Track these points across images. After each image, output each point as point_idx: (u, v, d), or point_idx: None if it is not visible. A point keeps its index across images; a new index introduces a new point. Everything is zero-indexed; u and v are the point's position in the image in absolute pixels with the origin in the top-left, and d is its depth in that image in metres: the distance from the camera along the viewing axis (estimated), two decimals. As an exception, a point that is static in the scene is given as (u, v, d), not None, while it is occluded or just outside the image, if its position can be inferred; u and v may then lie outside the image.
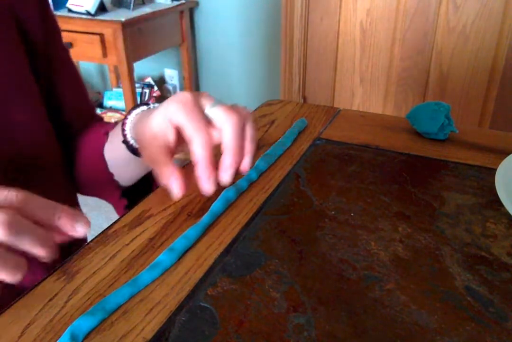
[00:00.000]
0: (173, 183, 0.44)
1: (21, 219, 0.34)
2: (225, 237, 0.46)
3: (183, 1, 2.10)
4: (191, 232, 0.45)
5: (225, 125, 0.43)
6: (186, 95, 0.44)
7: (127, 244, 0.45)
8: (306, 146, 0.63)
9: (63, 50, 0.63)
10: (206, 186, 0.43)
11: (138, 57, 1.97)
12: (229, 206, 0.50)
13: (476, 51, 1.82)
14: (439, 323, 0.36)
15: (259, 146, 0.62)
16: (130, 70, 1.91)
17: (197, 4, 2.19)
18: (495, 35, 1.77)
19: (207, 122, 0.43)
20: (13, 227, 0.33)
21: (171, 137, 0.45)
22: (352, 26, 1.98)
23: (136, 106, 0.55)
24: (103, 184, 0.64)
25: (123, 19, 1.79)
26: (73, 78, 0.65)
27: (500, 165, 0.53)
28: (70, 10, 1.88)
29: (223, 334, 0.35)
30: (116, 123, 0.62)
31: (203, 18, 2.23)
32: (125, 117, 0.55)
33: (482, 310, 0.38)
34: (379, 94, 2.07)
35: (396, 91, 2.03)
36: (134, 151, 0.55)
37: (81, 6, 1.85)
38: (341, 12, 1.97)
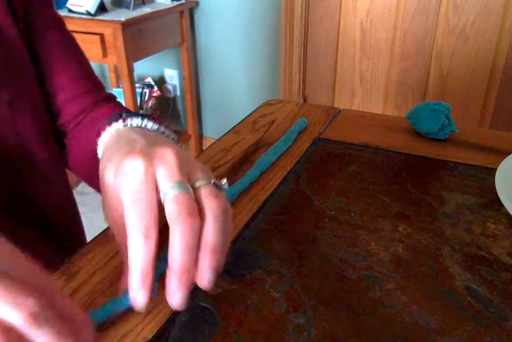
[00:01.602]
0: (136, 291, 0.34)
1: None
2: (225, 237, 0.45)
3: (183, 1, 2.10)
4: None
5: (173, 232, 0.33)
6: (139, 169, 0.35)
7: (127, 244, 0.45)
8: (306, 146, 0.63)
9: (50, 18, 0.57)
10: (137, 301, 0.33)
11: (138, 57, 1.97)
12: (229, 206, 0.50)
13: (476, 51, 1.82)
14: (439, 323, 0.36)
15: (259, 146, 0.62)
16: (130, 70, 1.90)
17: (197, 4, 2.19)
18: (495, 35, 1.77)
19: (155, 210, 0.34)
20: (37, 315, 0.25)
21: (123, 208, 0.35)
22: (352, 26, 1.98)
23: (114, 117, 0.47)
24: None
25: (123, 19, 1.79)
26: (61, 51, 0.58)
27: (500, 165, 0.53)
28: (70, 10, 1.88)
29: (223, 334, 0.35)
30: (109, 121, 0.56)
31: (203, 18, 2.23)
32: (99, 133, 0.47)
33: (482, 310, 0.38)
34: (379, 94, 2.07)
35: (396, 91, 2.03)
36: None
37: (81, 6, 1.85)
38: (341, 12, 1.97)
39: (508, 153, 0.56)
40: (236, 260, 0.43)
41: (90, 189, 0.66)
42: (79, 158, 0.61)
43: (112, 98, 0.63)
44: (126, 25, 1.81)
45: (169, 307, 0.38)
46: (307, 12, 2.02)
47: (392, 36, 1.93)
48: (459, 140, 0.64)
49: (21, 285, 0.26)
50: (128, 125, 0.45)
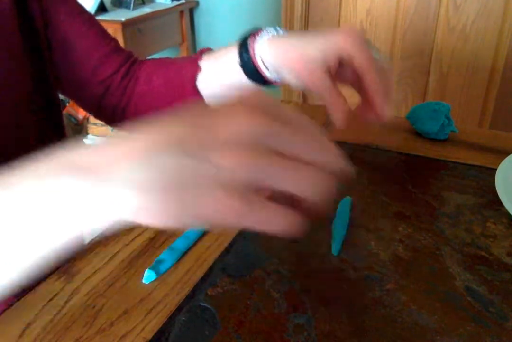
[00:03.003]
0: (338, 113, 0.45)
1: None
2: (225, 237, 0.46)
3: (183, 1, 2.10)
4: (192, 231, 0.45)
5: (370, 74, 0.44)
6: (359, 31, 0.44)
7: (127, 244, 0.45)
8: (306, 146, 0.63)
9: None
10: (385, 112, 0.44)
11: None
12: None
13: (476, 51, 1.82)
14: (439, 323, 0.36)
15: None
16: (130, 70, 1.90)
17: (197, 4, 2.19)
18: (495, 35, 1.77)
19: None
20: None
21: (333, 64, 0.45)
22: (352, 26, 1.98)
23: (249, 32, 0.52)
24: None
25: (123, 19, 1.79)
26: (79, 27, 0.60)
27: (500, 165, 0.53)
28: None
29: (223, 334, 0.35)
30: (201, 52, 0.58)
31: (203, 18, 2.23)
32: (246, 42, 0.51)
33: (482, 310, 0.38)
34: (379, 94, 2.06)
35: (396, 91, 2.03)
36: (255, 77, 0.53)
37: (81, 6, 1.86)
38: (341, 12, 1.97)
39: (508, 153, 0.56)
40: (236, 260, 0.43)
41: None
42: (155, 101, 0.61)
43: (132, 53, 0.65)
44: (126, 25, 1.81)
45: (169, 307, 0.38)
46: (307, 12, 2.02)
47: (392, 36, 1.93)
48: (459, 140, 0.64)
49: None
50: (279, 32, 0.51)
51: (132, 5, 1.93)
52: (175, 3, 2.07)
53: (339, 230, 0.46)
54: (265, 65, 0.51)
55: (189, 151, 0.25)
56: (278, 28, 0.51)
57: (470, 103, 1.92)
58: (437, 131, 0.63)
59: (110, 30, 1.80)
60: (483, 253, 0.44)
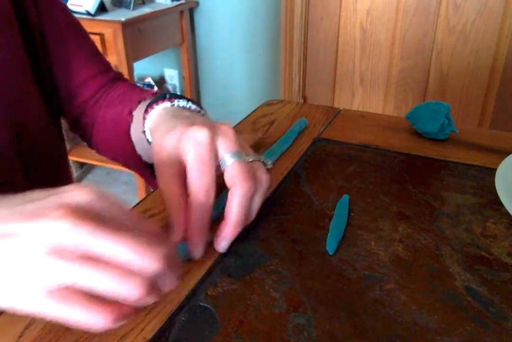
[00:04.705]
0: (177, 229, 0.41)
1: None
2: (225, 237, 0.45)
3: (183, 1, 2.10)
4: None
5: (234, 192, 0.41)
6: (201, 134, 0.41)
7: (127, 244, 0.45)
8: (306, 146, 0.63)
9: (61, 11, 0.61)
10: (195, 252, 0.41)
11: (138, 57, 1.97)
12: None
13: (476, 51, 1.82)
14: (439, 323, 0.36)
15: (259, 146, 0.62)
16: (130, 70, 1.90)
17: (197, 4, 2.19)
18: (495, 35, 1.77)
19: (214, 174, 0.41)
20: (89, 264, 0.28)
21: (180, 169, 0.42)
22: (352, 26, 1.98)
23: (158, 97, 0.51)
24: (132, 163, 0.61)
25: (123, 19, 1.79)
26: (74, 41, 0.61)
27: (500, 165, 0.53)
28: (70, 10, 1.89)
29: (223, 334, 0.35)
30: (140, 99, 0.58)
31: (203, 18, 2.22)
32: (146, 110, 0.51)
33: (482, 310, 0.38)
34: (379, 94, 2.06)
35: (396, 91, 2.03)
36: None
37: (81, 6, 1.86)
38: (341, 12, 1.97)
39: (508, 153, 0.56)
40: (236, 260, 0.43)
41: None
42: (106, 133, 0.62)
43: (121, 76, 0.66)
44: (126, 25, 1.80)
45: (169, 307, 0.38)
46: (307, 12, 2.02)
47: (392, 36, 1.93)
48: (459, 140, 0.64)
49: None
50: (176, 105, 0.50)
51: (132, 5, 1.93)
52: (175, 3, 2.07)
53: (336, 228, 0.46)
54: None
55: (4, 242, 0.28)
56: (178, 101, 0.50)
57: (470, 103, 1.92)
58: (437, 131, 0.63)
59: (110, 30, 1.81)
60: (483, 253, 0.44)
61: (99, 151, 0.67)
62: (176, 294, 0.39)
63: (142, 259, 0.28)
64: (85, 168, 2.42)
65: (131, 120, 0.58)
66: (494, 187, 0.49)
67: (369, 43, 1.98)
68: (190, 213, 0.40)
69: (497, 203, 0.49)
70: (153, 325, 0.36)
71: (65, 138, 0.68)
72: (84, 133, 0.66)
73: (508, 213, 0.47)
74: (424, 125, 0.63)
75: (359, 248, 0.44)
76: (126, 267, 0.28)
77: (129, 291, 0.28)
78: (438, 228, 0.47)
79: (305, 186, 0.54)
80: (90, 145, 0.68)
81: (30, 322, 0.37)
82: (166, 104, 0.50)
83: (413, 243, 0.45)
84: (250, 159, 0.44)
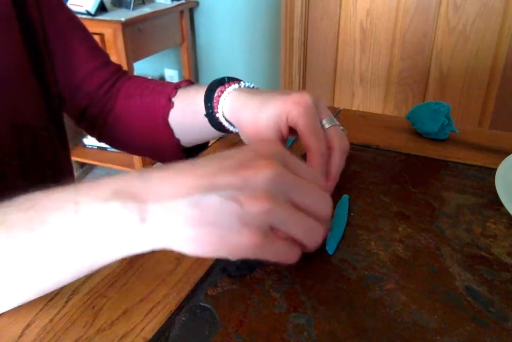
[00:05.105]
0: None
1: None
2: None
3: (183, 1, 2.10)
4: None
5: (337, 151, 0.46)
6: (307, 99, 0.45)
7: (127, 244, 0.45)
8: (306, 146, 0.63)
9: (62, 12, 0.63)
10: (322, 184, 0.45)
11: (138, 57, 1.97)
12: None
13: (476, 51, 1.82)
14: (439, 323, 0.36)
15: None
16: (130, 70, 1.90)
17: (197, 4, 2.19)
18: (495, 35, 1.77)
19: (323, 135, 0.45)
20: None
21: (284, 134, 0.46)
22: (352, 26, 1.98)
23: (219, 81, 0.54)
24: (166, 149, 0.62)
25: (123, 19, 1.79)
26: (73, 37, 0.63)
27: (500, 165, 0.53)
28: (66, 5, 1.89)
29: (223, 334, 0.35)
30: (176, 86, 0.60)
31: (203, 18, 2.23)
32: (214, 94, 0.53)
33: (482, 310, 0.38)
34: (379, 94, 2.06)
35: (396, 91, 2.03)
36: (218, 127, 0.54)
37: (81, 6, 1.85)
38: (341, 12, 1.97)
39: (508, 153, 0.56)
40: (236, 260, 0.43)
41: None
42: (133, 123, 0.63)
43: (120, 67, 0.68)
44: (126, 25, 1.80)
45: (169, 307, 0.38)
46: (307, 12, 2.02)
47: (392, 36, 1.93)
48: (459, 140, 0.64)
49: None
50: (243, 86, 0.53)
51: (132, 5, 1.93)
52: (175, 3, 2.07)
53: (336, 228, 0.46)
54: (225, 118, 0.53)
55: (225, 194, 0.31)
56: (243, 82, 0.53)
57: (470, 103, 1.92)
58: (437, 131, 0.63)
59: (110, 30, 1.81)
60: (483, 253, 0.44)
61: (111, 142, 0.68)
62: (176, 294, 0.39)
63: (327, 208, 0.35)
64: (85, 169, 2.42)
65: (172, 106, 0.59)
66: (494, 187, 0.49)
67: (369, 43, 1.98)
68: (312, 165, 0.45)
69: (497, 203, 0.49)
70: (153, 325, 0.36)
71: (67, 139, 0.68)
72: (93, 124, 0.66)
73: (508, 213, 0.47)
74: (424, 125, 0.63)
75: (359, 248, 0.44)
76: (315, 214, 0.34)
77: (316, 237, 0.34)
78: (438, 228, 0.47)
79: (305, 186, 0.54)
80: (100, 137, 0.68)
81: (30, 322, 0.37)
82: (235, 86, 0.52)
83: (413, 243, 0.45)
84: (336, 124, 0.48)
